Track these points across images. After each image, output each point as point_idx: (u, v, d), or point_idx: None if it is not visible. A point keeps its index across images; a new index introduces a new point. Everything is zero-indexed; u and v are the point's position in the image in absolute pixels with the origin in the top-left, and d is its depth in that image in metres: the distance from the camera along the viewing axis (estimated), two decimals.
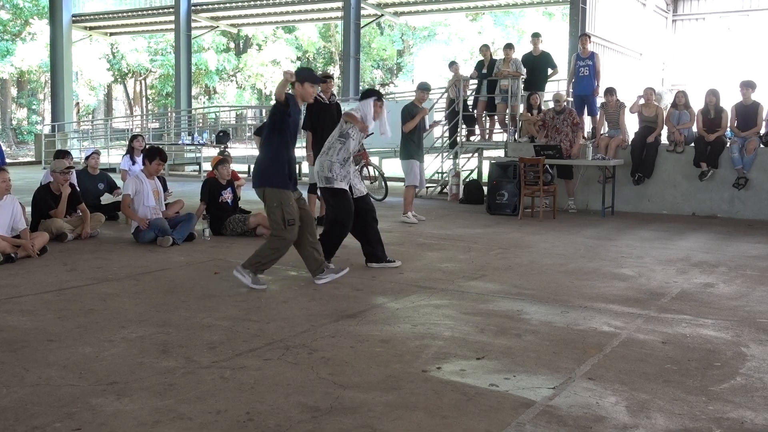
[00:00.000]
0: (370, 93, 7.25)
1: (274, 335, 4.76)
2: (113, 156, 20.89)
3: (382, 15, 23.30)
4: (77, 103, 34.88)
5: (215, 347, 4.49)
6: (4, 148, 9.40)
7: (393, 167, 17.38)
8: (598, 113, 12.71)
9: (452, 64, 15.33)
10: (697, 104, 11.80)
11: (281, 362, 4.22)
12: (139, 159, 11.06)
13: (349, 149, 6.91)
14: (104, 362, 4.20)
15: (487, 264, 7.43)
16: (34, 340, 4.62)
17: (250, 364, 4.17)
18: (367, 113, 7.00)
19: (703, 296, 6.09)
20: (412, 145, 10.59)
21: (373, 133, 7.37)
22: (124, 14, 26.01)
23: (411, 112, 10.51)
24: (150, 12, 25.48)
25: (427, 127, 10.71)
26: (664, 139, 12.08)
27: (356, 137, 6.98)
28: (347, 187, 6.93)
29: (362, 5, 20.69)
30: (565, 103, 12.34)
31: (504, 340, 4.74)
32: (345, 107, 10.07)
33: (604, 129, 12.42)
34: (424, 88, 10.84)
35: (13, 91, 37.21)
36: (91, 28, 28.19)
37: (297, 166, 6.48)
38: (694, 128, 11.57)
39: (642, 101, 11.90)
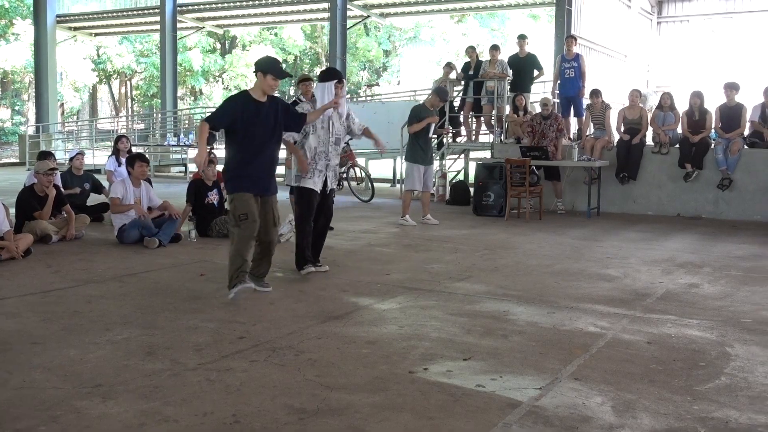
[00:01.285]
0: (332, 75, 6.80)
1: (260, 337, 4.75)
2: (98, 157, 20.78)
3: (369, 16, 23.31)
4: (62, 104, 34.66)
5: (201, 349, 4.47)
6: None
7: (379, 168, 17.40)
8: (584, 114, 12.76)
9: (447, 65, 15.24)
10: (681, 106, 11.88)
11: (267, 364, 4.21)
12: (124, 160, 11.01)
13: (311, 145, 6.71)
14: (89, 365, 4.17)
15: (473, 265, 7.44)
16: (18, 342, 4.59)
17: (237, 366, 4.15)
18: (326, 95, 6.61)
19: (687, 296, 6.13)
20: (416, 149, 10.29)
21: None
22: (109, 15, 25.85)
23: (419, 114, 10.24)
24: (135, 12, 25.34)
25: (431, 134, 10.40)
26: (649, 140, 12.14)
27: (315, 131, 6.71)
28: (316, 187, 6.71)
29: (348, 6, 20.67)
30: (552, 108, 12.38)
31: (490, 340, 4.74)
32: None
33: (590, 130, 12.48)
34: (441, 96, 10.47)
35: None
36: (75, 29, 28.01)
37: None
38: (679, 129, 11.64)
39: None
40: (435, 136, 10.71)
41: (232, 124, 5.73)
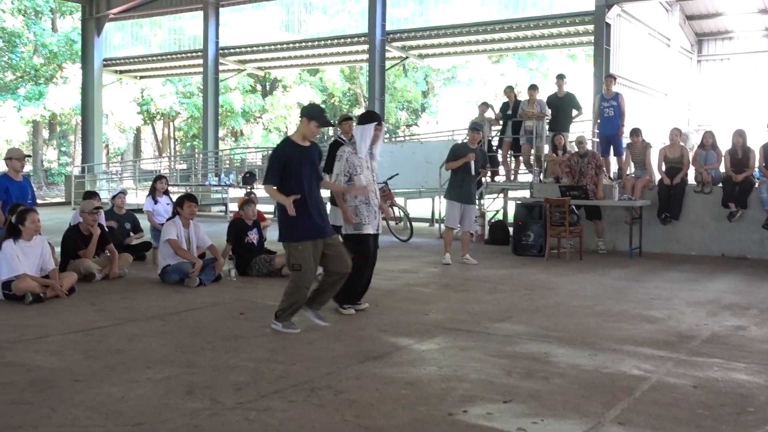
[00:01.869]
0: (372, 117, 6.95)
1: (299, 376, 4.74)
2: (141, 197, 21.15)
3: (407, 57, 23.53)
4: (107, 145, 35.48)
5: (240, 388, 4.48)
6: (34, 189, 9.55)
7: (418, 208, 17.42)
8: (624, 153, 12.67)
9: (482, 105, 15.32)
10: (723, 144, 11.73)
11: (306, 404, 4.19)
12: (161, 199, 11.23)
13: (361, 185, 6.75)
14: (130, 403, 4.20)
15: (513, 305, 7.37)
16: (62, 380, 4.64)
17: (276, 406, 4.15)
18: (365, 137, 6.74)
19: (734, 339, 5.98)
20: (453, 187, 10.33)
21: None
22: (154, 58, 26.53)
23: (456, 152, 10.28)
24: (179, 56, 25.95)
25: (473, 171, 10.34)
26: (691, 180, 11.99)
27: (361, 171, 6.73)
28: (373, 230, 6.86)
29: (387, 48, 20.93)
30: (588, 146, 12.31)
31: (531, 383, 4.67)
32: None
33: (631, 169, 12.37)
34: (473, 128, 10.49)
35: (45, 133, 37.98)
36: (121, 72, 28.78)
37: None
38: (722, 168, 11.49)
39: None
40: (481, 172, 10.64)
41: (283, 172, 5.93)
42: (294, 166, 5.94)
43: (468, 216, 10.42)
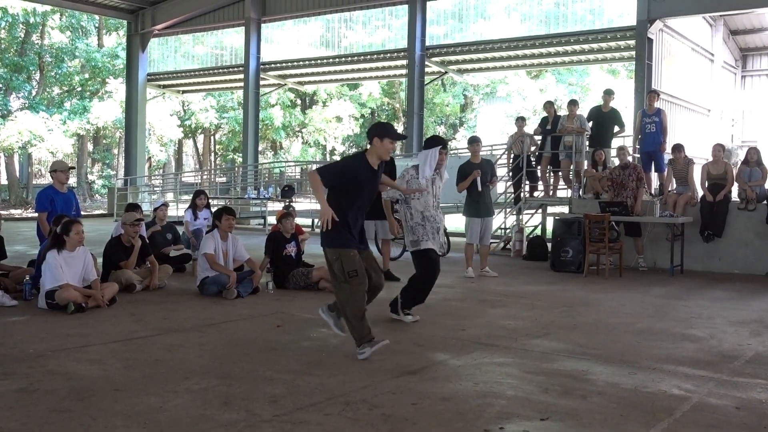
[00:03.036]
0: (438, 141, 7.29)
1: (334, 390, 4.75)
2: (182, 209, 21.42)
3: (446, 72, 23.56)
4: (149, 158, 36.06)
5: (276, 401, 4.49)
6: (79, 201, 9.73)
7: (455, 222, 17.36)
8: (666, 170, 12.50)
9: (519, 119, 15.33)
10: None
11: (341, 417, 4.19)
12: (201, 213, 11.43)
13: (417, 209, 7.14)
14: (168, 413, 4.24)
15: (551, 322, 7.29)
16: (101, 389, 4.71)
17: (311, 419, 4.16)
18: (430, 161, 7.10)
19: None
20: (470, 203, 10.57)
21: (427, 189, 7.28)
22: (197, 73, 26.95)
23: (464, 172, 10.45)
24: (221, 71, 26.34)
25: (479, 187, 10.41)
26: (735, 197, 11.78)
27: (421, 196, 7.12)
28: (434, 246, 7.15)
29: (426, 63, 21.00)
30: (629, 158, 12.17)
31: (569, 401, 4.61)
32: (405, 162, 10.02)
33: (673, 186, 12.18)
34: (471, 141, 10.77)
35: (89, 147, 38.75)
36: (164, 86, 29.28)
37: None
38: (766, 185, 11.26)
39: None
40: (490, 184, 10.66)
41: (344, 184, 5.74)
42: (357, 185, 5.74)
43: (486, 230, 10.66)
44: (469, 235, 10.71)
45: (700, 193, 11.76)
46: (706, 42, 18.71)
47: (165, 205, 11.39)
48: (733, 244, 11.50)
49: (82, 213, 11.17)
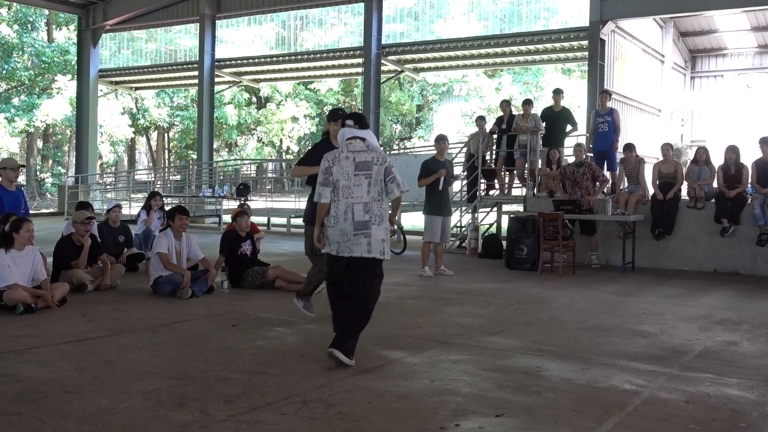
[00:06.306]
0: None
1: (290, 389, 4.72)
2: (135, 208, 21.09)
3: (402, 71, 23.60)
4: (101, 156, 35.45)
5: (232, 401, 4.46)
6: (27, 199, 9.51)
7: (411, 221, 17.42)
8: (618, 169, 12.71)
9: (479, 119, 15.40)
10: (717, 160, 11.78)
11: (297, 417, 4.18)
12: (155, 214, 11.23)
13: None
14: (120, 415, 4.17)
15: (506, 319, 7.36)
16: (51, 391, 4.61)
17: (267, 419, 4.13)
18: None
19: (726, 354, 5.99)
20: (431, 201, 10.56)
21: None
22: (150, 70, 26.55)
23: (427, 168, 10.46)
24: (175, 67, 25.99)
25: (440, 186, 10.43)
26: (684, 195, 12.02)
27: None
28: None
29: (382, 61, 21.00)
30: (585, 156, 12.34)
31: (523, 397, 4.66)
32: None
33: (624, 184, 12.39)
34: (439, 139, 10.74)
35: (39, 144, 37.93)
36: (116, 83, 28.77)
37: None
38: (715, 184, 11.52)
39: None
40: (445, 184, 10.70)
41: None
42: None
43: (446, 228, 10.74)
44: (429, 234, 10.62)
45: (651, 191, 11.98)
46: (657, 43, 19.08)
47: (118, 206, 11.14)
48: (683, 242, 11.73)
49: (32, 212, 10.91)
